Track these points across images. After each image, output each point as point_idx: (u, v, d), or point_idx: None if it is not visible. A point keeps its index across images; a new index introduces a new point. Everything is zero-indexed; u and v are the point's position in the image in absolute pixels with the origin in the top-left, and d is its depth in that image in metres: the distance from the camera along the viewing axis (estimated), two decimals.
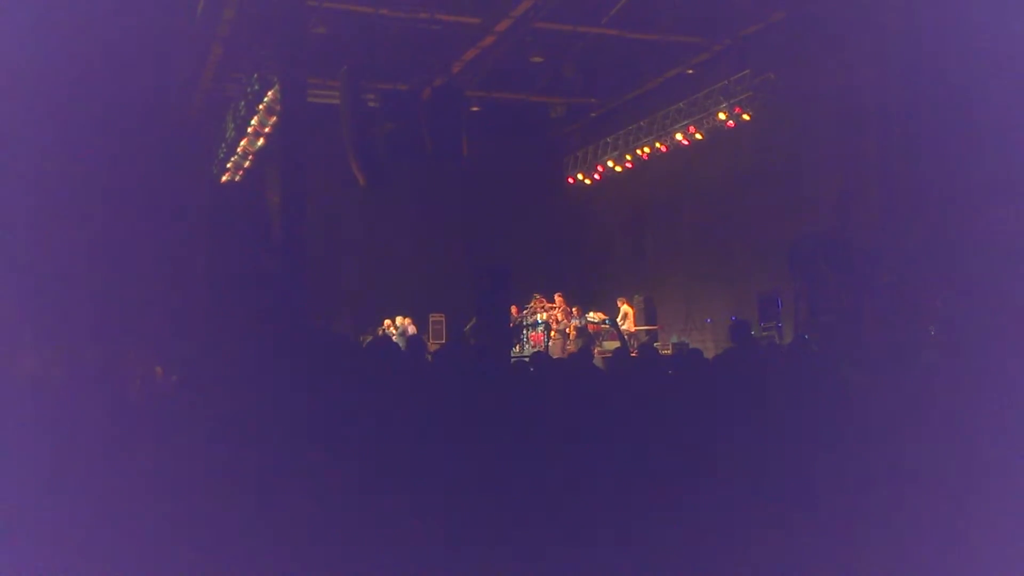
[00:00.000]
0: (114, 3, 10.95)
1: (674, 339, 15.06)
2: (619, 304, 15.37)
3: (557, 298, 15.26)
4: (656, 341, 15.06)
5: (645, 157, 16.26)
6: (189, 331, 11.97)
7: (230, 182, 15.25)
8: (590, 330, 14.82)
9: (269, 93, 12.63)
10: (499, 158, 17.37)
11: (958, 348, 7.44)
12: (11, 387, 4.68)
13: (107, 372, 5.34)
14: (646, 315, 15.71)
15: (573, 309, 15.09)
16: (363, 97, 13.23)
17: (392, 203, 16.88)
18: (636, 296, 15.79)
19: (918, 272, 9.90)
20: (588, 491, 4.28)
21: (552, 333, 14.77)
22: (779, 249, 12.24)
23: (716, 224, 15.08)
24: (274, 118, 12.78)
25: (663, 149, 15.77)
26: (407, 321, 15.34)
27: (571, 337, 14.58)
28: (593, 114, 17.19)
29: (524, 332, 15.35)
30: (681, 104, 15.32)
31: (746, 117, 13.92)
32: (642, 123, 16.30)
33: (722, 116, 14.27)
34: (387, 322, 15.37)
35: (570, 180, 18.73)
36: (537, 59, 13.63)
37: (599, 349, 14.11)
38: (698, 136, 14.97)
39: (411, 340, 9.88)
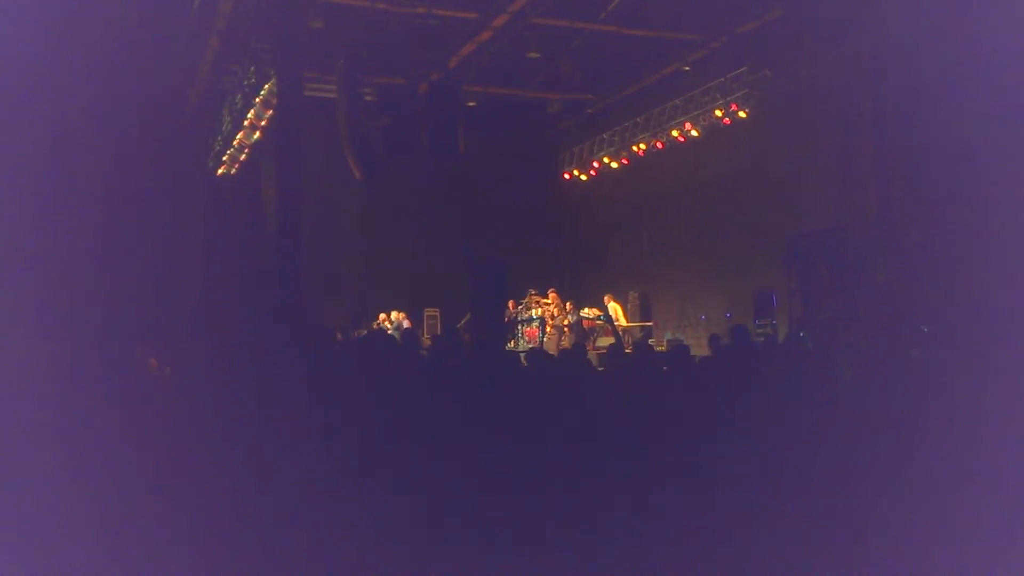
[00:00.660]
0: None
1: (668, 335, 15.08)
2: (606, 301, 15.38)
3: (551, 294, 15.28)
4: (650, 337, 15.09)
5: (641, 154, 16.27)
6: (183, 323, 11.95)
7: (226, 175, 15.22)
8: (584, 326, 14.85)
9: (266, 86, 12.60)
10: (495, 153, 17.37)
11: (952, 346, 7.48)
12: (9, 380, 4.67)
13: (103, 364, 5.34)
14: (641, 311, 15.73)
15: (567, 305, 15.11)
16: (360, 91, 13.22)
17: (388, 197, 16.86)
18: (631, 292, 15.81)
19: (913, 270, 9.92)
20: (582, 488, 4.29)
21: (548, 329, 14.79)
22: (775, 246, 12.27)
23: (712, 221, 15.10)
24: (270, 111, 12.76)
25: (659, 146, 15.78)
26: (402, 315, 15.35)
27: (565, 333, 14.60)
28: (590, 110, 17.19)
29: (519, 327, 15.38)
30: (677, 101, 15.33)
31: (742, 114, 13.93)
32: (638, 120, 16.31)
33: (718, 113, 14.29)
34: (382, 316, 15.37)
35: (566, 176, 18.73)
36: (534, 55, 13.61)
37: (592, 345, 14.13)
38: (694, 133, 14.98)
39: (406, 334, 9.88)
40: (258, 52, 12.65)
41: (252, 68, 12.95)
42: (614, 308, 15.29)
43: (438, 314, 16.52)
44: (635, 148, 16.31)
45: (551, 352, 12.57)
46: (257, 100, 12.97)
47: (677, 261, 16.10)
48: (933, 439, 4.51)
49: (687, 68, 14.73)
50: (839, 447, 4.50)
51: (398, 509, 4.03)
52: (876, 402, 5.02)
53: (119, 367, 5.34)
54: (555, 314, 14.94)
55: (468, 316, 12.82)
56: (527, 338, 15.20)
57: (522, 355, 10.06)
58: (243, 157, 14.60)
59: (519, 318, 15.40)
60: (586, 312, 15.25)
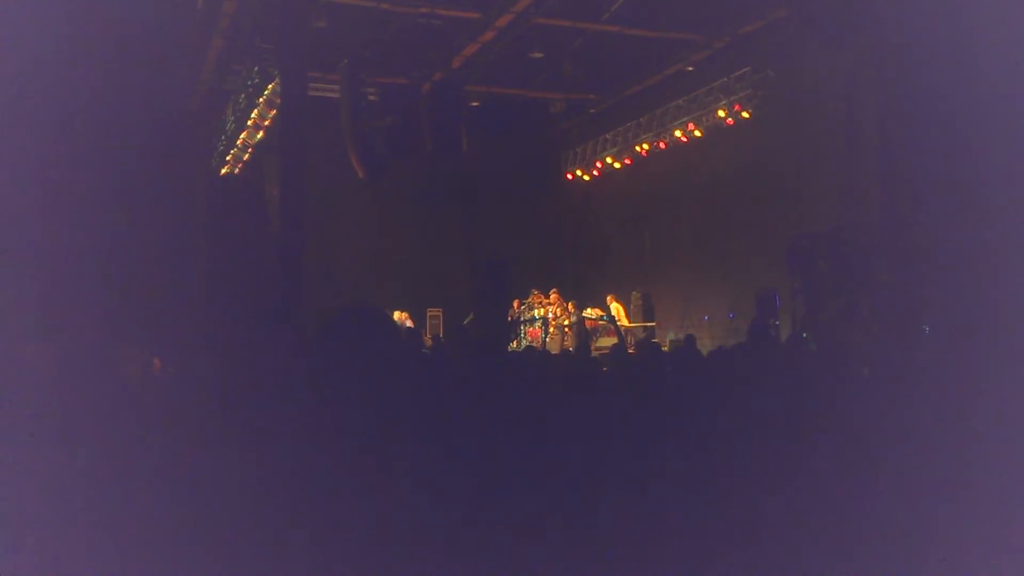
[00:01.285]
0: None
1: (671, 336, 15.08)
2: (608, 301, 15.38)
3: (553, 294, 15.29)
4: (653, 338, 15.09)
5: (644, 154, 16.27)
6: (187, 322, 11.97)
7: (230, 175, 15.24)
8: (587, 326, 14.86)
9: (269, 86, 12.63)
10: (498, 153, 17.38)
11: (955, 346, 7.48)
12: (11, 379, 4.69)
13: (104, 363, 5.35)
14: (644, 312, 15.74)
15: (569, 305, 15.12)
16: (363, 91, 13.24)
17: (391, 197, 16.88)
18: (633, 292, 15.82)
19: (916, 270, 9.91)
20: (586, 488, 4.30)
21: (551, 329, 14.80)
22: (777, 247, 12.25)
23: (714, 221, 15.09)
24: (274, 111, 12.79)
25: (662, 146, 15.78)
26: (404, 315, 15.36)
27: (567, 333, 14.61)
28: (592, 110, 17.20)
29: (522, 327, 15.38)
30: (680, 101, 15.33)
31: (745, 115, 13.93)
32: (641, 120, 16.31)
33: (721, 113, 14.28)
34: None
35: (569, 176, 18.73)
36: (537, 55, 13.63)
37: (594, 345, 14.13)
38: (697, 133, 14.97)
39: (408, 334, 9.90)
40: (262, 52, 12.67)
41: (256, 68, 12.98)
42: (616, 308, 15.29)
43: (440, 314, 16.53)
44: (638, 148, 16.31)
45: (554, 352, 12.58)
46: (261, 100, 13.00)
47: (680, 261, 16.10)
48: (936, 439, 4.51)
49: (690, 68, 14.74)
50: (842, 448, 4.51)
51: (399, 508, 4.04)
52: (879, 402, 5.02)
53: (122, 367, 5.35)
54: (557, 314, 14.95)
55: (471, 316, 12.83)
56: (530, 338, 15.21)
57: (524, 355, 10.06)
58: (247, 157, 14.63)
59: (522, 318, 15.41)
60: (588, 312, 15.26)
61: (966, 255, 9.09)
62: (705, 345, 13.07)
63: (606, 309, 15.30)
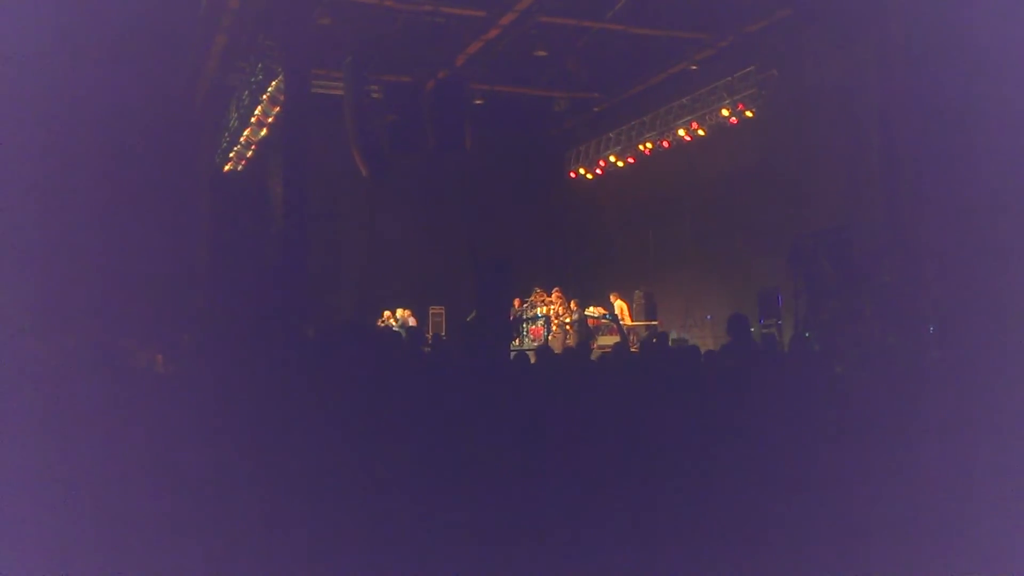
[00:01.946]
0: None
1: (673, 335, 15.07)
2: (612, 299, 15.39)
3: (556, 292, 15.29)
4: (655, 337, 15.07)
5: (648, 153, 16.25)
6: (189, 319, 11.99)
7: (233, 172, 15.26)
8: (589, 324, 14.85)
9: (273, 83, 12.62)
10: (502, 151, 17.38)
11: (958, 346, 7.46)
12: (13, 377, 4.69)
13: (107, 360, 5.36)
14: (646, 310, 15.72)
15: (571, 303, 15.11)
16: (367, 88, 13.24)
17: (394, 195, 16.89)
18: (636, 291, 15.81)
19: (919, 270, 9.90)
20: (586, 486, 4.30)
21: (553, 327, 14.80)
22: (780, 246, 12.24)
23: (717, 220, 15.08)
24: (277, 108, 12.78)
25: (666, 145, 15.76)
26: (407, 313, 15.37)
27: (569, 331, 14.61)
28: (596, 109, 17.17)
29: (524, 325, 15.38)
30: (684, 100, 15.31)
31: (749, 114, 13.91)
32: (645, 118, 16.29)
33: (725, 112, 14.26)
34: (387, 314, 15.40)
35: (572, 174, 18.72)
36: (541, 53, 13.61)
37: (596, 344, 14.12)
38: (701, 132, 14.96)
39: (411, 332, 9.90)
40: (265, 49, 12.67)
41: (259, 65, 12.97)
42: (620, 306, 15.29)
43: (443, 312, 16.54)
44: (641, 147, 16.29)
45: (556, 350, 12.57)
46: (264, 97, 12.99)
47: (682, 260, 16.09)
48: (939, 439, 4.51)
49: (694, 67, 14.72)
50: (844, 447, 4.50)
51: (401, 506, 4.05)
52: (882, 402, 5.02)
53: (125, 363, 5.36)
54: (560, 312, 14.95)
55: (473, 314, 12.82)
56: (532, 336, 15.21)
57: (528, 353, 10.06)
58: (250, 154, 14.64)
59: (524, 316, 15.41)
60: (591, 311, 15.25)
61: (969, 254, 9.08)
62: (707, 345, 13.08)
63: (610, 307, 15.30)
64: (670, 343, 14.20)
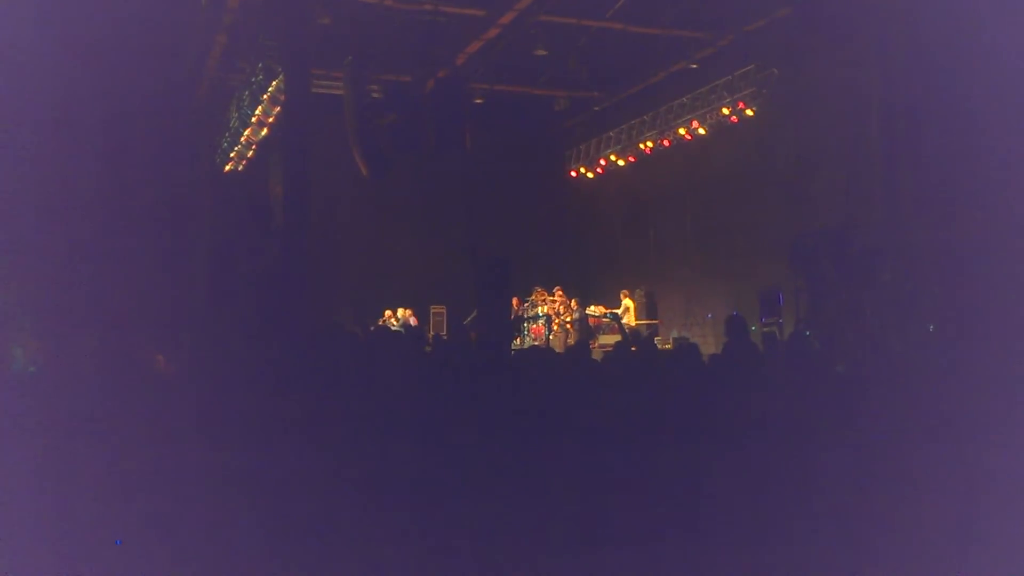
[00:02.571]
0: None
1: (674, 334, 15.08)
2: (621, 297, 15.41)
3: (557, 291, 15.30)
4: (656, 336, 15.09)
5: (648, 152, 16.25)
6: (190, 319, 11.99)
7: (233, 172, 15.27)
8: (590, 323, 14.85)
9: (273, 83, 12.63)
10: (502, 151, 17.37)
11: (959, 345, 7.46)
12: (16, 377, 4.70)
13: (108, 360, 5.37)
14: (647, 309, 15.73)
15: (572, 302, 15.11)
16: (367, 88, 13.25)
17: (394, 194, 16.89)
18: (637, 290, 15.81)
19: (920, 269, 9.90)
20: (586, 486, 4.30)
21: (554, 327, 14.81)
22: (781, 245, 12.24)
23: (718, 219, 15.08)
24: (278, 108, 12.80)
25: (666, 144, 15.76)
26: (408, 313, 15.37)
27: (570, 330, 14.62)
28: (596, 108, 17.17)
29: (525, 325, 15.39)
30: (684, 99, 15.30)
31: (749, 112, 13.90)
32: (645, 117, 16.29)
33: (725, 111, 14.26)
34: (388, 313, 15.40)
35: (572, 173, 18.72)
36: (541, 52, 13.60)
37: (596, 343, 14.13)
38: (701, 131, 14.95)
39: (411, 332, 9.90)
40: (266, 49, 12.67)
41: (260, 65, 12.98)
42: (628, 305, 15.30)
43: (444, 311, 16.54)
44: (642, 146, 16.29)
45: (557, 350, 12.58)
46: (265, 97, 13.00)
47: (683, 259, 16.09)
48: (940, 438, 4.50)
49: (694, 66, 14.71)
50: (845, 447, 4.50)
51: (402, 506, 4.05)
52: (883, 401, 5.02)
53: (126, 364, 5.36)
54: (561, 311, 14.95)
55: (474, 313, 12.83)
56: (533, 336, 15.22)
57: (528, 352, 10.06)
58: (250, 154, 14.65)
59: (525, 315, 15.41)
60: (592, 310, 15.25)
61: (970, 254, 9.07)
62: (709, 344, 13.08)
63: (618, 304, 15.32)
64: (671, 342, 14.25)
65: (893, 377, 5.78)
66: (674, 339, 14.54)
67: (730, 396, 4.95)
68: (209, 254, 14.89)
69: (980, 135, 8.95)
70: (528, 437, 4.46)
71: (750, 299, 13.34)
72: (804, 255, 11.45)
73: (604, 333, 15.01)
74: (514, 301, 14.97)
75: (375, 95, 13.88)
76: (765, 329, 12.35)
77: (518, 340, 14.98)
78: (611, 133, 17.29)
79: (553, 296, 15.29)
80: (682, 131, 15.25)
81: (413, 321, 15.14)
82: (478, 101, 15.47)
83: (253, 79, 13.33)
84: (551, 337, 14.64)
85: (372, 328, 12.90)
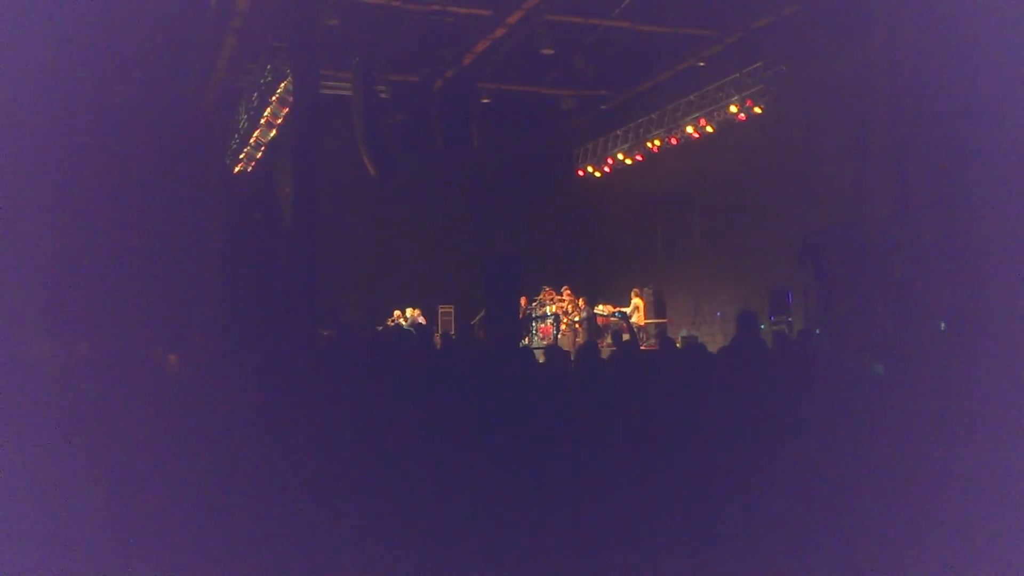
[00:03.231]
0: None
1: (683, 332, 15.06)
2: (632, 296, 15.40)
3: (565, 291, 15.30)
4: (666, 334, 15.08)
5: (655, 150, 16.24)
6: (200, 319, 12.05)
7: (243, 173, 15.32)
8: (598, 323, 14.85)
9: (282, 84, 12.68)
10: (509, 150, 17.39)
11: (969, 343, 7.44)
12: (28, 378, 4.73)
13: (119, 360, 5.40)
14: (655, 308, 15.72)
15: (580, 301, 15.11)
16: (375, 88, 13.25)
17: (403, 194, 16.92)
18: (646, 288, 15.81)
19: (930, 267, 9.87)
20: (594, 484, 4.31)
21: (562, 326, 14.81)
22: (790, 243, 12.21)
23: (726, 217, 15.05)
24: (286, 109, 12.85)
25: (674, 142, 15.74)
26: (416, 312, 15.40)
27: (579, 329, 14.62)
28: (604, 106, 17.16)
29: (533, 324, 15.40)
30: (692, 97, 15.29)
31: (757, 110, 13.87)
32: (653, 116, 16.27)
33: (733, 109, 14.23)
34: (396, 313, 15.43)
35: (580, 172, 18.72)
36: (548, 51, 13.61)
37: (605, 342, 14.12)
38: (709, 129, 14.93)
39: (420, 331, 9.92)
40: (274, 50, 12.72)
41: (268, 66, 13.03)
42: (638, 304, 15.29)
43: (452, 311, 16.57)
44: (649, 144, 16.28)
45: (566, 349, 12.58)
46: (273, 98, 13.05)
47: (692, 258, 16.06)
48: (950, 436, 4.50)
49: (702, 64, 14.69)
50: (855, 444, 4.50)
51: (411, 504, 4.06)
52: (892, 399, 5.01)
53: (138, 364, 5.40)
54: (569, 311, 14.95)
55: (483, 313, 12.85)
56: (541, 335, 15.22)
57: (536, 351, 10.08)
58: (259, 155, 14.70)
59: (533, 315, 15.42)
60: (600, 309, 15.25)
61: (980, 251, 9.03)
62: (718, 343, 13.05)
63: (627, 303, 15.31)
64: (680, 340, 14.23)
65: (903, 375, 5.77)
66: (682, 338, 14.53)
67: (736, 391, 4.96)
68: (219, 254, 14.95)
69: (989, 132, 8.91)
70: (536, 436, 4.47)
71: (759, 297, 13.31)
72: (813, 253, 11.42)
73: (612, 332, 15.00)
74: (522, 300, 15.00)
75: (383, 95, 13.89)
76: (775, 327, 12.33)
77: (526, 339, 15.00)
78: (619, 132, 17.28)
79: (561, 295, 15.29)
80: (690, 129, 15.23)
81: (422, 320, 15.17)
82: (485, 101, 15.48)
83: (262, 80, 13.39)
84: (559, 336, 14.64)
85: (381, 327, 12.96)
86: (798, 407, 4.77)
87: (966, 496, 4.21)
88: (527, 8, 12.54)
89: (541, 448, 4.41)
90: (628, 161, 17.07)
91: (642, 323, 15.16)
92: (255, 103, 13.78)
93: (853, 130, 12.21)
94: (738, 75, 14.20)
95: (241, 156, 15.05)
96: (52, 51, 10.90)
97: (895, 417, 4.74)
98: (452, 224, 17.72)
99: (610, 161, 17.54)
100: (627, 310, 15.31)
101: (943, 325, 9.13)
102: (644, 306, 15.36)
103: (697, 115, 15.07)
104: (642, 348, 12.16)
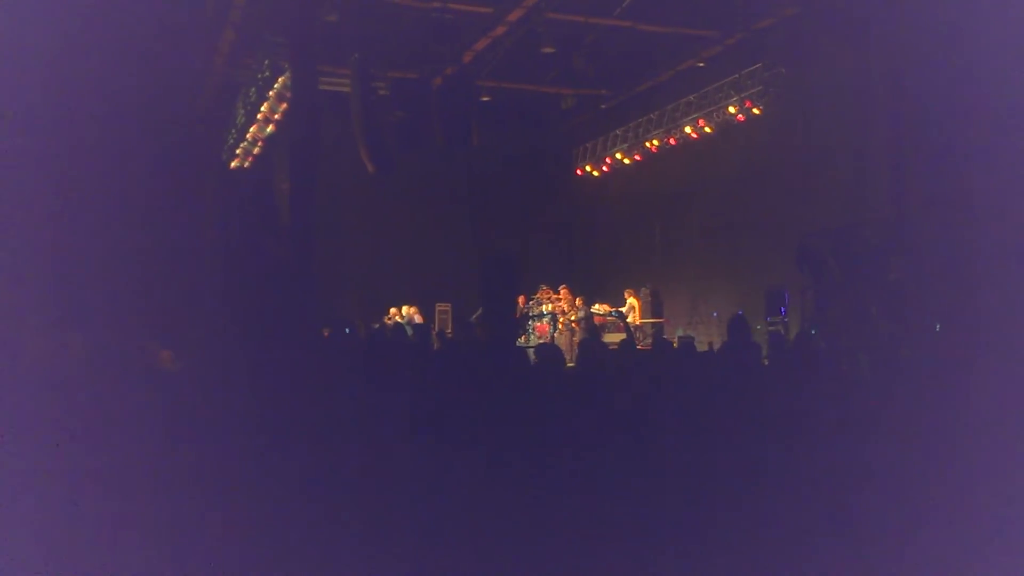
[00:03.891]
0: None
1: (680, 332, 15.06)
2: (626, 296, 15.40)
3: (562, 290, 15.30)
4: (662, 334, 15.08)
5: (654, 150, 16.23)
6: (195, 316, 12.02)
7: (239, 168, 15.29)
8: (595, 322, 14.84)
9: (280, 80, 12.65)
10: (508, 148, 17.37)
11: (965, 345, 7.44)
12: (24, 376, 4.71)
13: (115, 357, 5.38)
14: (652, 308, 15.72)
15: (577, 300, 15.11)
16: (374, 85, 13.26)
17: (401, 191, 16.90)
18: (643, 288, 15.80)
19: (927, 268, 9.87)
20: (592, 484, 4.30)
21: (559, 325, 14.81)
22: (787, 244, 12.23)
23: (724, 218, 15.06)
24: (284, 105, 12.81)
25: (673, 142, 15.74)
26: (413, 310, 15.37)
27: (575, 329, 14.61)
28: (603, 106, 17.15)
29: (530, 323, 15.39)
30: (691, 97, 15.28)
31: (756, 111, 13.88)
32: (652, 116, 16.27)
33: (732, 110, 14.23)
34: (393, 311, 15.41)
35: (579, 172, 18.71)
36: (548, 50, 13.60)
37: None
38: (708, 130, 14.93)
39: (417, 329, 9.91)
40: (272, 45, 12.69)
41: (266, 61, 13.00)
42: (632, 304, 15.28)
43: (449, 309, 16.55)
44: (648, 144, 16.27)
45: (563, 348, 12.57)
46: (271, 93, 13.02)
47: (689, 258, 16.07)
48: (946, 437, 4.50)
49: (701, 64, 14.69)
50: (850, 445, 4.49)
51: (408, 503, 4.05)
52: (888, 400, 5.01)
53: (133, 361, 5.38)
54: (566, 310, 14.95)
55: (480, 311, 12.84)
56: (538, 334, 15.21)
57: (532, 350, 10.05)
58: (256, 150, 14.66)
59: (530, 314, 15.41)
60: (597, 308, 15.24)
61: (977, 253, 9.04)
62: (715, 343, 13.05)
63: (622, 303, 15.30)
64: (676, 340, 14.23)
65: (899, 376, 5.77)
66: (679, 337, 14.52)
67: (731, 391, 4.95)
68: (214, 250, 14.92)
69: (988, 134, 8.91)
70: (534, 435, 4.46)
71: (756, 298, 13.32)
72: (810, 254, 11.44)
73: (609, 332, 15.00)
74: (519, 299, 14.99)
75: (382, 92, 13.88)
76: (771, 328, 12.34)
77: (523, 338, 14.99)
78: (618, 131, 17.27)
79: (558, 294, 15.29)
80: (689, 130, 15.22)
81: (418, 319, 15.14)
82: (485, 99, 15.47)
83: (260, 76, 13.35)
84: (556, 335, 14.64)
85: (377, 325, 12.95)
86: (794, 407, 4.77)
87: (962, 496, 4.21)
88: (527, 6, 12.53)
89: (540, 448, 4.41)
90: (627, 161, 17.07)
91: (638, 323, 15.16)
92: (253, 98, 13.75)
93: (852, 132, 12.22)
94: (737, 76, 14.20)
95: (238, 152, 15.01)
96: (48, 45, 10.86)
97: (891, 418, 4.74)
98: (450, 222, 17.70)
99: (609, 160, 17.54)
100: (624, 309, 15.31)
101: (938, 326, 9.14)
102: (639, 306, 15.35)
103: (696, 116, 15.07)
104: (638, 348, 12.15)
